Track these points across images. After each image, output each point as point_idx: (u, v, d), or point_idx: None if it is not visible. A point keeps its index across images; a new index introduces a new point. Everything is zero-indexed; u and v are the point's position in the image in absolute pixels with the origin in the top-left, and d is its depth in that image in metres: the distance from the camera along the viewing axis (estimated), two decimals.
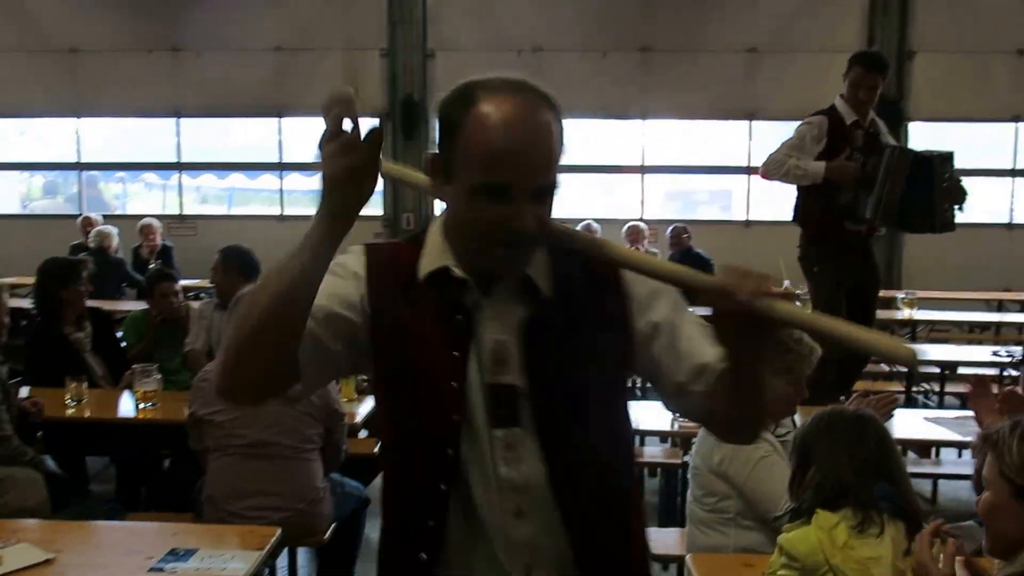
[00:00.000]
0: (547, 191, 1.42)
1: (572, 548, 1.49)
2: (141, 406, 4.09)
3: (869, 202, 4.81)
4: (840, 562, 2.01)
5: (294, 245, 1.40)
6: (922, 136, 9.59)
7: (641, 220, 9.41)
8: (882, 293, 6.03)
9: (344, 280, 1.51)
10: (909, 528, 2.13)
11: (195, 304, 5.31)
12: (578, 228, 8.77)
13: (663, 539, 3.30)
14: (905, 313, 6.88)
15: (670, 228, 8.42)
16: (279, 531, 2.66)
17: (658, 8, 10.02)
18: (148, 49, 10.26)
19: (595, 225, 8.98)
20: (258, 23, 10.18)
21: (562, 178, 1.44)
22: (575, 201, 10.10)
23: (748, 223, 10.02)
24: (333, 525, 3.42)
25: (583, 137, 9.84)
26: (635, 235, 8.93)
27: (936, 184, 4.72)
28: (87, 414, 4.11)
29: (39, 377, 4.38)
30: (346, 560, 3.74)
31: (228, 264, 4.81)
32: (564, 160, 1.45)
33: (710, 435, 2.46)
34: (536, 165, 1.40)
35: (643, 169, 10.30)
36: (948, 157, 4.83)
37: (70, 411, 4.09)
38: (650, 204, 10.41)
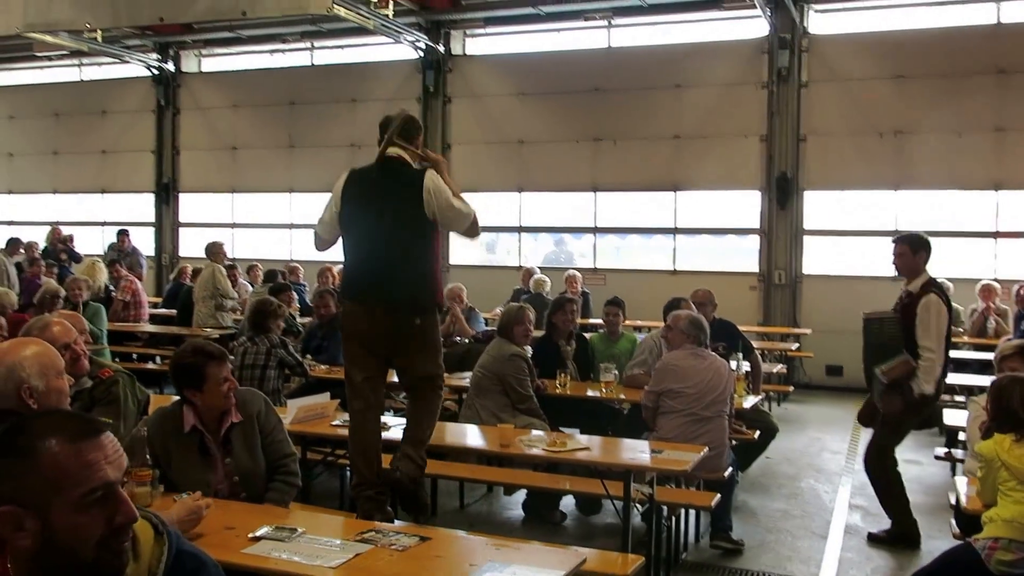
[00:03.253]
0: None
1: None
2: (603, 391, 6.52)
3: None
4: (1007, 458, 3.77)
5: None
6: None
7: (995, 280, 10.60)
8: None
9: None
10: None
11: (640, 336, 7.74)
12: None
13: None
14: None
15: (1016, 287, 9.58)
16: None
17: (1011, 91, 11.22)
18: (575, 140, 13.27)
19: (947, 283, 10.39)
20: (662, 118, 12.79)
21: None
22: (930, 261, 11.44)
23: None
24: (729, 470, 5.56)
25: (935, 206, 11.26)
26: (987, 293, 10.18)
27: (867, 343, 5.67)
28: (568, 392, 6.64)
29: (542, 370, 6.92)
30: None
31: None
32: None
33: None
34: None
35: (996, 235, 11.45)
36: (874, 318, 5.65)
37: (558, 390, 6.63)
38: (1006, 266, 11.44)
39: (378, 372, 4.27)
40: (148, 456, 3.45)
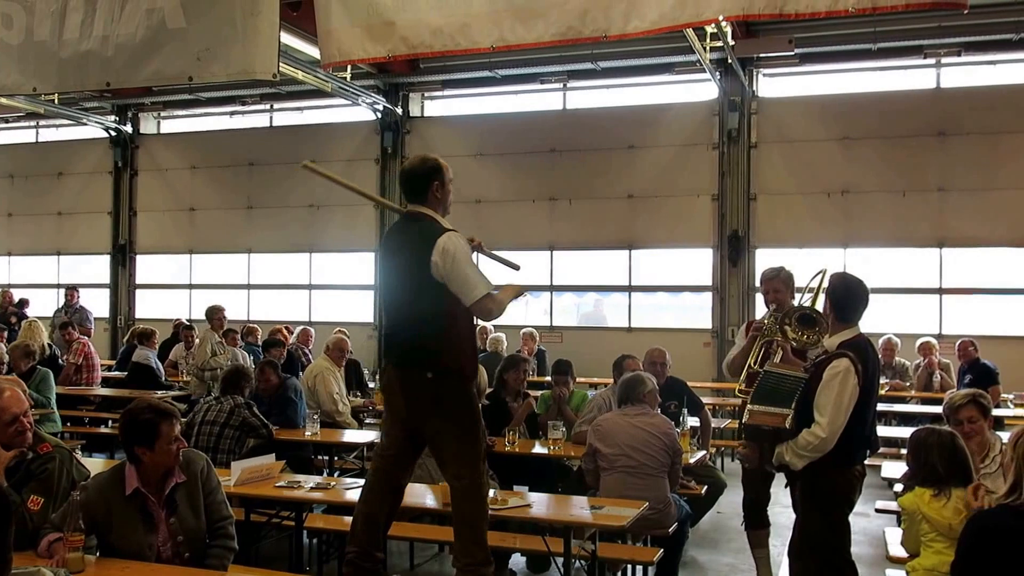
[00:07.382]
0: None
1: None
2: (551, 448, 6.56)
3: None
4: (927, 511, 3.84)
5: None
6: None
7: (940, 335, 10.83)
8: None
9: None
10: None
11: (591, 393, 7.79)
12: (880, 340, 10.37)
13: None
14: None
15: (958, 342, 9.80)
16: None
17: (953, 152, 11.61)
18: (532, 199, 13.43)
19: (895, 339, 10.60)
20: (616, 178, 13.02)
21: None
22: (877, 317, 11.67)
23: None
24: (675, 525, 5.52)
25: (882, 263, 11.54)
26: (926, 349, 10.35)
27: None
28: (517, 450, 6.64)
29: (491, 428, 6.94)
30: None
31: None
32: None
33: None
34: None
35: (940, 291, 11.73)
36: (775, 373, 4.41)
37: (507, 448, 6.65)
38: (951, 321, 11.66)
39: (403, 446, 4.20)
40: (81, 523, 3.43)
